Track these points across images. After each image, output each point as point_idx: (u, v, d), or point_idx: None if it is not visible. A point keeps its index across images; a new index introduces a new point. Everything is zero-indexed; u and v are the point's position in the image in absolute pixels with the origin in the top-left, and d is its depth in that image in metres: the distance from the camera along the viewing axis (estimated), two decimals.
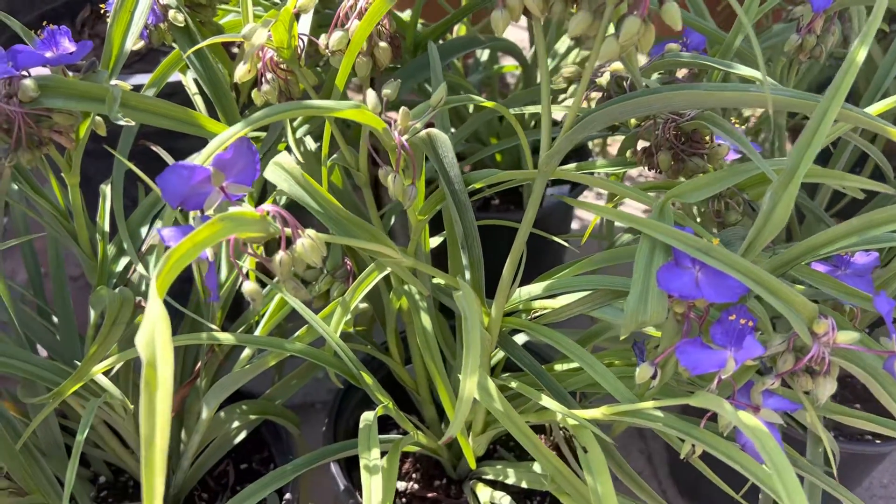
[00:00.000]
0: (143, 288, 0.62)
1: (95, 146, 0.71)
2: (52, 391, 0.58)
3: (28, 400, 0.57)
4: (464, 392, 0.42)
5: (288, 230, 0.41)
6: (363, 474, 0.50)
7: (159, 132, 0.78)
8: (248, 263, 0.61)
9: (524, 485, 0.60)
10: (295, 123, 0.62)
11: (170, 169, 0.41)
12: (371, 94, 0.47)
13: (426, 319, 0.59)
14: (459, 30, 0.92)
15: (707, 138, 0.54)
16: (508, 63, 0.95)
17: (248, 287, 0.41)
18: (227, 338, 0.55)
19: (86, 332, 0.60)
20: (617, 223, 0.81)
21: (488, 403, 0.49)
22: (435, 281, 0.61)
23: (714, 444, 0.45)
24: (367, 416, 0.56)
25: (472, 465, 0.63)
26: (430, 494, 0.70)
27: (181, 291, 0.69)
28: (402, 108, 0.47)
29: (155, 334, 0.31)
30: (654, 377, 0.46)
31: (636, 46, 0.43)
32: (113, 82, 0.49)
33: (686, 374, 0.46)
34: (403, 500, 0.70)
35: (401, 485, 0.71)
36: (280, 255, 0.41)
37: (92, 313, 0.58)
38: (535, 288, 0.55)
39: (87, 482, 0.69)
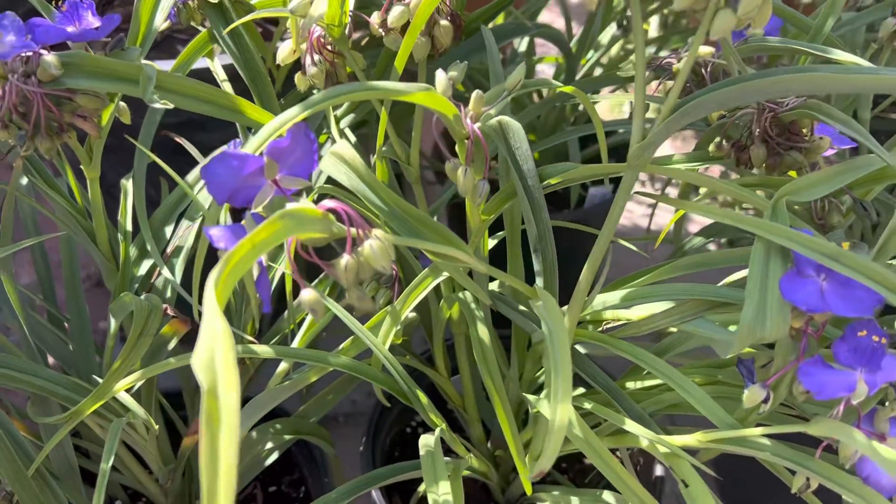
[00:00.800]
0: (168, 294, 0.56)
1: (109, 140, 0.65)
2: (67, 410, 0.52)
3: (40, 420, 0.51)
4: (555, 421, 0.37)
5: (354, 230, 0.36)
6: None
7: (177, 125, 0.72)
8: (282, 267, 0.55)
9: None
10: (339, 112, 0.57)
11: (218, 158, 0.36)
12: (441, 75, 0.41)
13: (483, 330, 0.53)
14: (497, 18, 0.86)
15: (804, 130, 0.48)
16: (547, 54, 0.90)
17: (309, 296, 0.35)
18: (266, 351, 0.49)
19: (102, 342, 0.55)
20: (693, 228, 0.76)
21: (567, 429, 0.43)
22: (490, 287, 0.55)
23: (832, 476, 0.40)
24: (429, 442, 0.50)
25: (528, 490, 0.57)
26: None
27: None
28: (476, 92, 0.41)
29: (216, 355, 0.25)
30: (765, 401, 0.40)
31: (751, 22, 0.38)
32: (143, 62, 0.43)
33: (801, 397, 0.40)
34: None
35: None
36: (345, 259, 0.35)
37: (112, 322, 0.52)
38: (612, 297, 0.50)
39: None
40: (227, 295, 0.28)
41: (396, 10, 0.43)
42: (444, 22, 0.46)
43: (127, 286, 0.53)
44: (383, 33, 0.46)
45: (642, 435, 0.44)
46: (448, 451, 0.67)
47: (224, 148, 0.53)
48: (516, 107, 0.84)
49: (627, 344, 0.48)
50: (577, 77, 0.85)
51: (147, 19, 0.46)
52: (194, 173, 0.59)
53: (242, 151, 0.36)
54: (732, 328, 0.44)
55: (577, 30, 0.87)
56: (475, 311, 0.53)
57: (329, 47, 0.47)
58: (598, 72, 0.85)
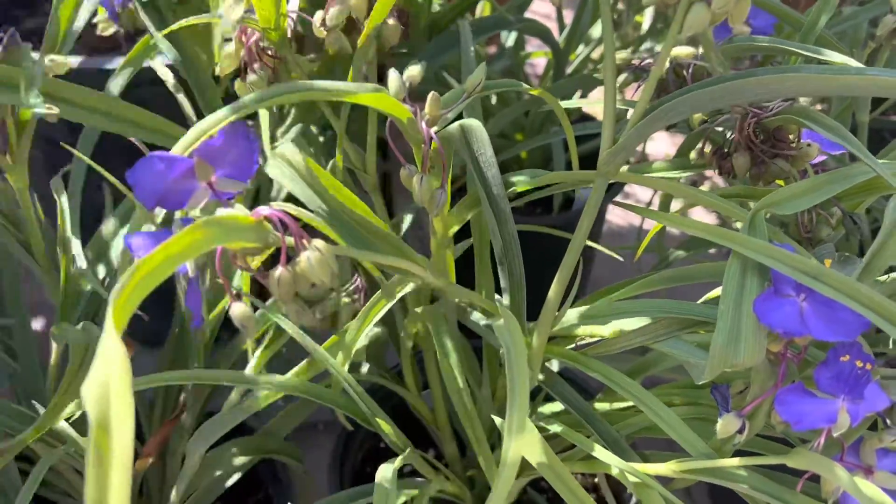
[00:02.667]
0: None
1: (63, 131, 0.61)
2: (10, 435, 0.49)
3: None
4: (507, 455, 0.33)
5: (290, 240, 0.33)
6: None
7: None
8: (240, 278, 0.52)
9: None
10: (285, 126, 0.54)
11: (142, 162, 0.33)
12: (394, 75, 0.38)
13: (450, 346, 0.50)
14: (484, 9, 0.83)
15: (791, 137, 0.45)
16: (536, 49, 0.87)
17: (238, 310, 0.33)
18: (211, 376, 0.46)
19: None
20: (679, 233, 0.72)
21: (532, 456, 0.40)
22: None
23: None
24: (385, 474, 0.46)
25: None
26: None
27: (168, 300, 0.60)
28: (432, 94, 0.38)
29: (110, 386, 0.23)
30: (740, 431, 0.37)
31: (728, 17, 0.35)
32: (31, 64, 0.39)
33: (780, 427, 0.37)
34: None
35: None
36: (279, 271, 0.33)
37: (54, 348, 0.49)
38: (586, 311, 0.47)
39: None
40: (127, 314, 0.25)
41: (334, 9, 0.40)
42: (390, 21, 0.43)
43: (72, 304, 0.50)
44: (325, 34, 0.43)
45: (613, 464, 0.41)
46: (416, 473, 0.64)
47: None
48: (502, 106, 0.81)
49: (598, 363, 0.44)
50: (568, 71, 0.82)
51: (66, 20, 0.43)
52: None
53: (169, 153, 0.33)
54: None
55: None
56: (441, 326, 0.50)
57: (270, 52, 0.44)
58: (589, 67, 0.81)
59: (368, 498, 0.52)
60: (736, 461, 0.38)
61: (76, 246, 0.50)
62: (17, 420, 0.48)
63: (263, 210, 0.33)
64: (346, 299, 0.55)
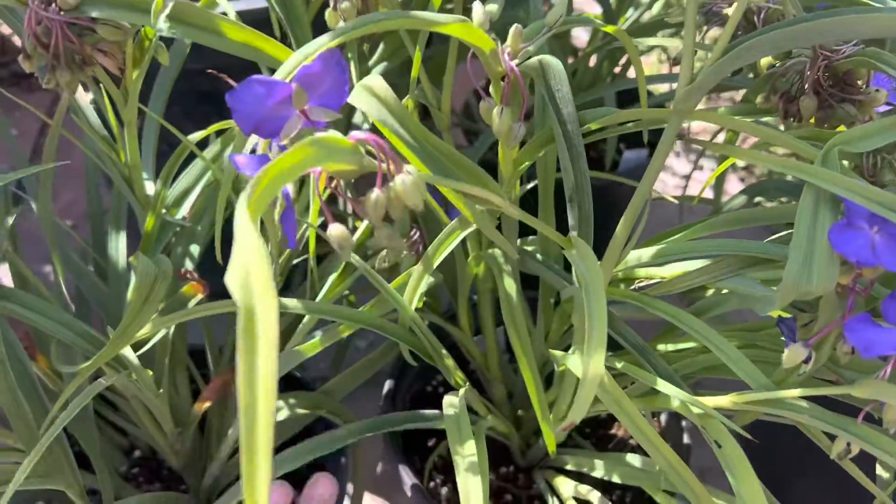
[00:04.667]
0: (187, 260, 0.54)
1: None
2: (87, 358, 0.51)
3: (63, 368, 0.50)
4: (588, 372, 0.35)
5: (385, 166, 0.34)
6: (460, 474, 0.43)
7: (201, 72, 0.70)
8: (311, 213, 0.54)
9: (616, 479, 0.52)
10: (372, 61, 0.55)
11: (244, 85, 0.34)
12: (479, 6, 0.39)
13: (511, 285, 0.51)
14: None
15: (860, 82, 0.46)
16: (585, 11, 0.87)
17: (337, 231, 0.34)
18: (291, 305, 0.47)
19: None
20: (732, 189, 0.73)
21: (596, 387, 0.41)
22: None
23: (875, 441, 0.38)
24: (453, 402, 0.48)
25: (552, 450, 0.56)
26: (496, 482, 0.63)
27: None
28: (515, 26, 0.39)
29: (250, 273, 0.24)
30: (806, 361, 0.38)
31: None
32: None
33: (845, 358, 0.39)
34: None
35: None
36: (375, 193, 0.34)
37: (133, 278, 0.50)
38: (645, 253, 0.48)
39: (121, 453, 0.62)
40: (259, 214, 0.27)
41: None
42: None
43: (155, 236, 0.51)
44: None
45: (674, 395, 0.43)
46: (469, 410, 0.66)
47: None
48: None
49: (662, 303, 0.46)
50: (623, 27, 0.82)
51: None
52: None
53: (270, 77, 0.34)
54: (774, 287, 0.42)
55: None
56: (503, 266, 0.52)
57: None
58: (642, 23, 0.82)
59: (421, 423, 0.54)
60: (797, 392, 0.40)
61: (151, 186, 0.52)
62: (94, 344, 0.50)
63: (359, 134, 0.34)
64: (406, 251, 0.56)
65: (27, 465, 0.40)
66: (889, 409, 0.36)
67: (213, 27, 0.38)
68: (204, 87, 0.82)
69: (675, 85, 1.01)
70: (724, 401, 0.42)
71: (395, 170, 0.34)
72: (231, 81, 0.56)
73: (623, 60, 0.90)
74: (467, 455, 0.44)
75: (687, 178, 0.89)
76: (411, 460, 0.63)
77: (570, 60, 0.86)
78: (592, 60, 0.87)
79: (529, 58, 0.41)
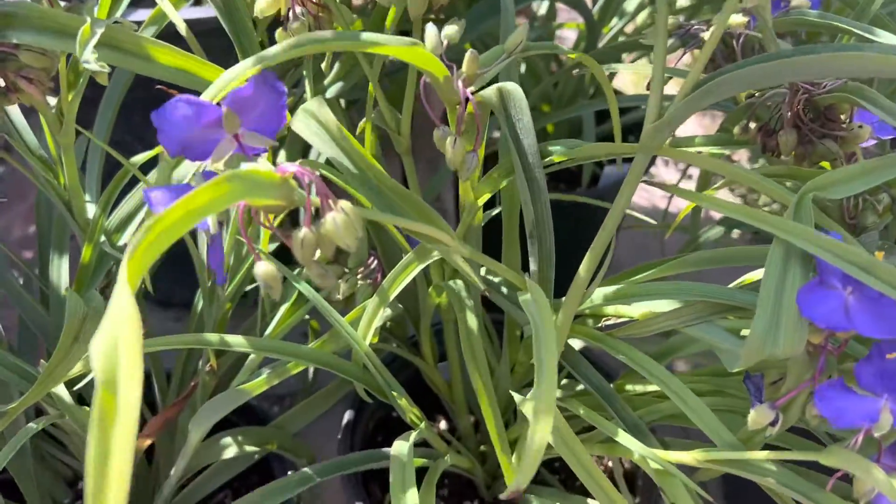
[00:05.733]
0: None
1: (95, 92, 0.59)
2: (22, 394, 0.48)
3: None
4: (534, 438, 0.32)
5: (316, 199, 0.31)
6: None
7: (157, 83, 0.68)
8: (261, 238, 0.51)
9: None
10: (329, 79, 0.52)
11: (170, 105, 0.31)
12: (431, 29, 0.36)
13: (472, 320, 0.49)
14: None
15: (843, 116, 0.43)
16: (573, 19, 0.84)
17: (263, 269, 0.31)
18: (237, 342, 0.44)
19: None
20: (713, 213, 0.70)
21: (552, 438, 0.39)
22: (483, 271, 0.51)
23: None
24: (401, 448, 0.45)
25: (514, 490, 0.53)
26: None
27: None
28: (470, 52, 0.37)
29: (119, 344, 0.21)
30: (773, 423, 0.35)
31: None
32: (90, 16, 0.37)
33: (815, 422, 0.36)
34: None
35: None
36: (303, 231, 0.31)
37: (68, 311, 0.47)
38: (614, 291, 0.45)
39: (65, 485, 0.59)
40: (142, 271, 0.24)
41: None
42: None
43: (92, 268, 0.48)
44: None
45: (636, 449, 0.40)
46: (427, 446, 0.63)
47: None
48: (531, 79, 0.79)
49: (624, 344, 0.43)
50: (600, 45, 0.79)
51: None
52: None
53: (197, 98, 0.31)
54: (745, 332, 0.39)
55: None
56: (465, 300, 0.49)
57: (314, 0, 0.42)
58: (621, 42, 0.79)
59: (380, 462, 0.51)
60: (765, 454, 0.37)
61: (91, 209, 0.49)
62: (28, 380, 0.47)
63: (289, 167, 0.31)
64: (362, 280, 0.53)
65: None
66: (858, 481, 0.33)
67: (144, 53, 0.35)
68: (155, 101, 0.80)
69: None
70: (687, 457, 0.39)
71: (328, 206, 0.31)
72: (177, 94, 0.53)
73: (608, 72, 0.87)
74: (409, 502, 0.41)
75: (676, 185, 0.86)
76: (370, 491, 0.60)
77: (554, 70, 0.83)
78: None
79: (487, 84, 0.39)
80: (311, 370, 0.67)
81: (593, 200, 0.58)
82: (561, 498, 0.53)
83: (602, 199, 0.83)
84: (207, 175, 0.33)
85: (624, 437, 0.41)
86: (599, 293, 0.45)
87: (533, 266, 0.42)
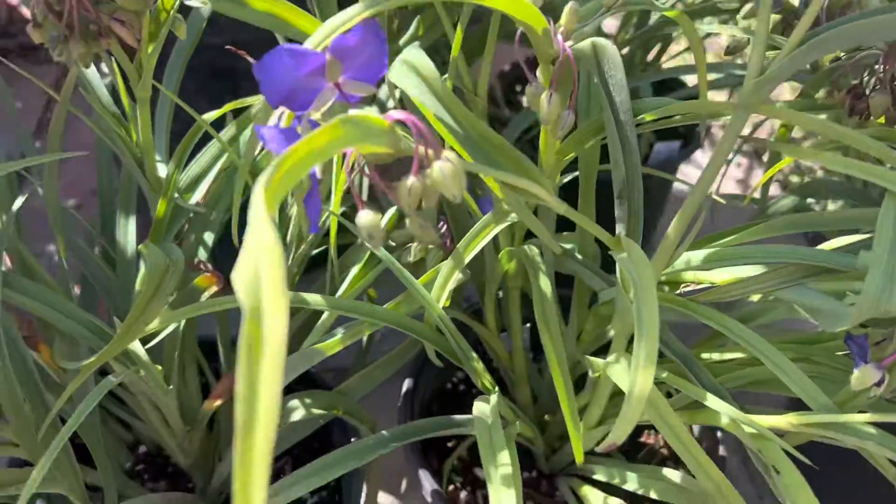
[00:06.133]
0: (200, 249, 0.50)
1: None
2: (93, 351, 0.48)
3: (66, 364, 0.47)
4: (636, 389, 0.32)
5: (422, 149, 0.31)
6: (493, 487, 0.40)
7: (219, 46, 0.67)
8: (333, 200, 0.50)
9: (653, 495, 0.49)
10: (403, 40, 0.51)
11: (272, 54, 0.31)
12: None
13: (546, 285, 0.48)
14: None
15: None
16: None
17: (367, 218, 0.30)
18: (314, 300, 0.44)
19: None
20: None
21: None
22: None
23: None
24: (484, 409, 0.45)
25: (580, 459, 0.52)
26: None
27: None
28: (570, 4, 0.36)
29: (261, 272, 0.21)
30: (878, 384, 0.35)
31: None
32: None
33: None
34: (485, 491, 0.60)
35: (481, 473, 0.61)
36: (411, 180, 0.30)
37: (142, 267, 0.47)
38: (694, 256, 0.44)
39: (126, 449, 0.59)
40: (277, 203, 0.23)
41: None
42: None
43: (167, 224, 0.48)
44: None
45: (724, 412, 0.39)
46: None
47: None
48: None
49: (709, 310, 0.42)
50: (653, 19, 0.78)
51: None
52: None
53: (301, 47, 0.31)
54: (849, 300, 0.38)
55: None
56: (539, 264, 0.48)
57: None
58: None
59: (451, 430, 0.51)
60: (865, 417, 0.36)
61: (162, 168, 0.49)
62: (100, 336, 0.47)
63: (397, 114, 0.31)
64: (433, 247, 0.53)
65: (37, 476, 0.37)
66: None
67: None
68: (219, 64, 0.79)
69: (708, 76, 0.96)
70: (780, 421, 0.39)
71: (434, 155, 0.31)
72: (249, 58, 0.53)
73: (656, 49, 0.86)
74: (500, 466, 0.41)
75: (722, 177, 0.85)
76: (429, 461, 0.60)
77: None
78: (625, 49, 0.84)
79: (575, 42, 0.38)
80: (365, 340, 0.67)
81: (657, 172, 0.57)
82: (628, 467, 0.52)
83: (652, 175, 0.82)
84: (313, 123, 0.33)
85: (713, 401, 0.40)
86: (681, 259, 0.44)
87: (620, 228, 0.41)
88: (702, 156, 1.27)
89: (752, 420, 0.38)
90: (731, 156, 0.88)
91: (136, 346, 0.45)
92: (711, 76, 0.87)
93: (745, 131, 1.27)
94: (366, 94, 0.33)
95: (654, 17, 0.80)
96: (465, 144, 0.34)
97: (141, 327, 0.41)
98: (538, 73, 0.38)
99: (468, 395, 0.68)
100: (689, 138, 0.87)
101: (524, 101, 0.96)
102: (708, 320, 0.42)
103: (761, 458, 0.38)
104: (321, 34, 0.31)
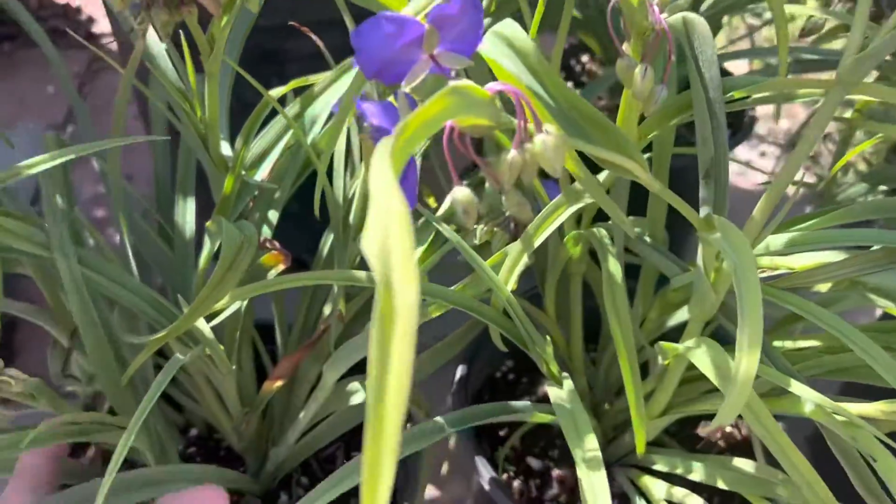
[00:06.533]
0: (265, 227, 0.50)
1: None
2: (152, 327, 0.47)
3: (131, 338, 0.46)
4: (741, 371, 0.31)
5: (519, 122, 0.30)
6: (582, 471, 0.39)
7: (269, 29, 0.66)
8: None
9: (721, 484, 0.48)
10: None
11: (371, 22, 0.30)
12: None
13: (616, 269, 0.47)
14: None
15: None
16: None
17: (462, 194, 0.30)
18: (364, 277, 0.43)
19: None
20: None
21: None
22: None
23: None
24: (561, 395, 0.44)
25: (641, 450, 0.51)
26: (572, 478, 0.59)
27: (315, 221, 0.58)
28: None
29: (390, 242, 0.20)
30: None
31: None
32: None
33: None
34: (538, 480, 0.59)
35: (535, 463, 0.60)
36: (512, 153, 0.29)
37: (207, 244, 0.46)
38: (773, 241, 0.43)
39: (177, 431, 0.59)
40: (400, 168, 0.23)
41: None
42: None
43: (233, 202, 0.47)
44: None
45: (810, 399, 0.38)
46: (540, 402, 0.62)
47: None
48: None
49: (794, 296, 0.41)
50: None
51: None
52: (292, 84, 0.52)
53: (402, 14, 0.30)
54: None
55: None
56: (609, 248, 0.47)
57: None
58: None
59: (514, 415, 0.50)
60: None
61: (226, 147, 0.48)
62: (161, 313, 0.47)
63: (497, 85, 0.30)
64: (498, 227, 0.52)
65: (126, 441, 0.36)
66: None
67: None
68: (268, 46, 0.78)
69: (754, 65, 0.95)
70: (870, 409, 0.38)
71: (536, 128, 0.30)
72: (314, 37, 0.52)
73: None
74: (588, 451, 0.40)
75: (770, 176, 0.83)
76: (483, 451, 0.59)
77: None
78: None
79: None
80: None
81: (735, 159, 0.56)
82: (693, 458, 0.51)
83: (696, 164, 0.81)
84: (409, 98, 0.32)
85: (798, 388, 0.39)
86: (761, 245, 0.43)
87: (705, 209, 0.40)
88: (739, 149, 1.26)
89: (842, 407, 0.37)
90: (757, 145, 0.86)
91: (202, 324, 0.44)
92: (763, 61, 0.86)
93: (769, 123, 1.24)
94: (462, 67, 0.32)
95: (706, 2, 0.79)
96: (558, 118, 0.33)
97: (211, 304, 0.41)
98: (625, 47, 0.37)
99: (517, 384, 0.67)
100: (735, 127, 0.85)
101: (583, 79, 0.95)
102: (792, 306, 0.41)
103: (853, 447, 0.36)
104: (422, 2, 0.30)
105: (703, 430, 0.35)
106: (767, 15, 0.98)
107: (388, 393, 0.19)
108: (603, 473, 0.38)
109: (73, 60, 1.30)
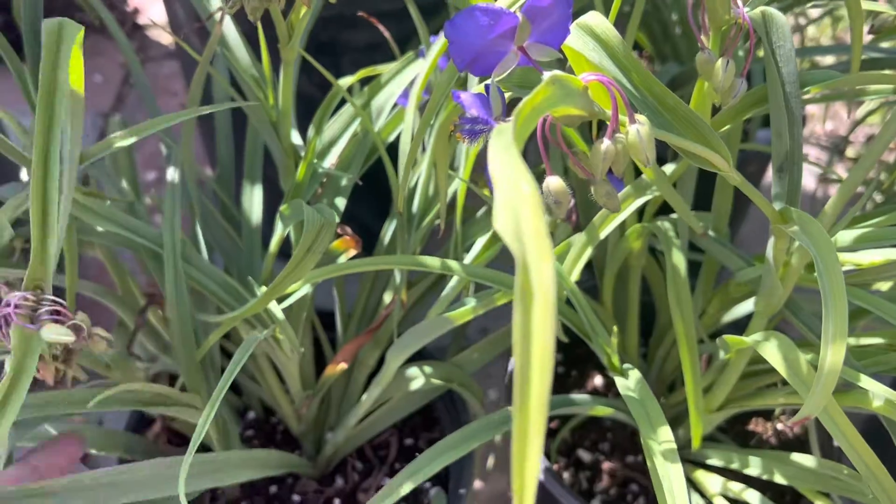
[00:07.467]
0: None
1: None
2: (219, 308, 0.48)
3: (206, 317, 0.47)
4: (827, 362, 0.31)
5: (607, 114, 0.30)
6: (657, 461, 0.39)
7: (325, 21, 0.67)
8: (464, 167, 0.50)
9: (779, 479, 0.48)
10: None
11: (465, 13, 0.30)
12: None
13: (679, 262, 0.47)
14: None
15: None
16: None
17: (555, 183, 0.30)
18: (455, 267, 0.43)
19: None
20: None
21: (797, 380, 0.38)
22: None
23: None
24: (629, 385, 0.44)
25: (697, 444, 0.52)
26: (622, 471, 0.59)
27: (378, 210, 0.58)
28: None
29: (522, 222, 0.20)
30: None
31: None
32: None
33: None
34: (588, 473, 0.60)
35: (585, 455, 0.61)
36: (605, 143, 0.30)
37: (279, 227, 0.47)
38: (841, 237, 0.43)
39: (235, 414, 0.60)
40: (520, 145, 0.23)
41: None
42: None
43: (301, 192, 0.48)
44: None
45: (881, 394, 0.38)
46: (601, 395, 0.62)
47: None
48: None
49: (863, 292, 0.41)
50: None
51: None
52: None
53: (497, 6, 0.30)
54: None
55: None
56: (673, 240, 0.48)
57: None
58: None
59: (575, 407, 0.50)
60: None
61: (296, 136, 0.49)
62: (232, 296, 0.48)
63: (591, 75, 0.30)
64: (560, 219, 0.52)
65: (206, 419, 0.37)
66: None
67: None
68: (322, 38, 0.79)
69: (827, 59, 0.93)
70: None
71: (629, 119, 0.30)
72: (382, 28, 0.53)
73: None
74: (662, 441, 0.40)
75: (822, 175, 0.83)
76: None
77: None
78: None
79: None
80: None
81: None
82: (751, 453, 0.51)
83: (750, 162, 0.81)
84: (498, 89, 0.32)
85: (868, 383, 0.39)
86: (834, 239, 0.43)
87: (779, 203, 0.40)
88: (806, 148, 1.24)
89: None
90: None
91: (273, 306, 0.45)
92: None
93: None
94: (550, 59, 0.32)
95: None
96: (643, 109, 0.34)
97: (288, 285, 0.41)
98: (704, 40, 0.38)
99: (567, 377, 0.67)
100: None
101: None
102: (862, 302, 0.41)
103: None
104: None
105: (792, 421, 0.35)
106: (814, 13, 0.97)
107: (531, 371, 0.20)
108: (679, 464, 0.39)
109: (117, 51, 1.32)
